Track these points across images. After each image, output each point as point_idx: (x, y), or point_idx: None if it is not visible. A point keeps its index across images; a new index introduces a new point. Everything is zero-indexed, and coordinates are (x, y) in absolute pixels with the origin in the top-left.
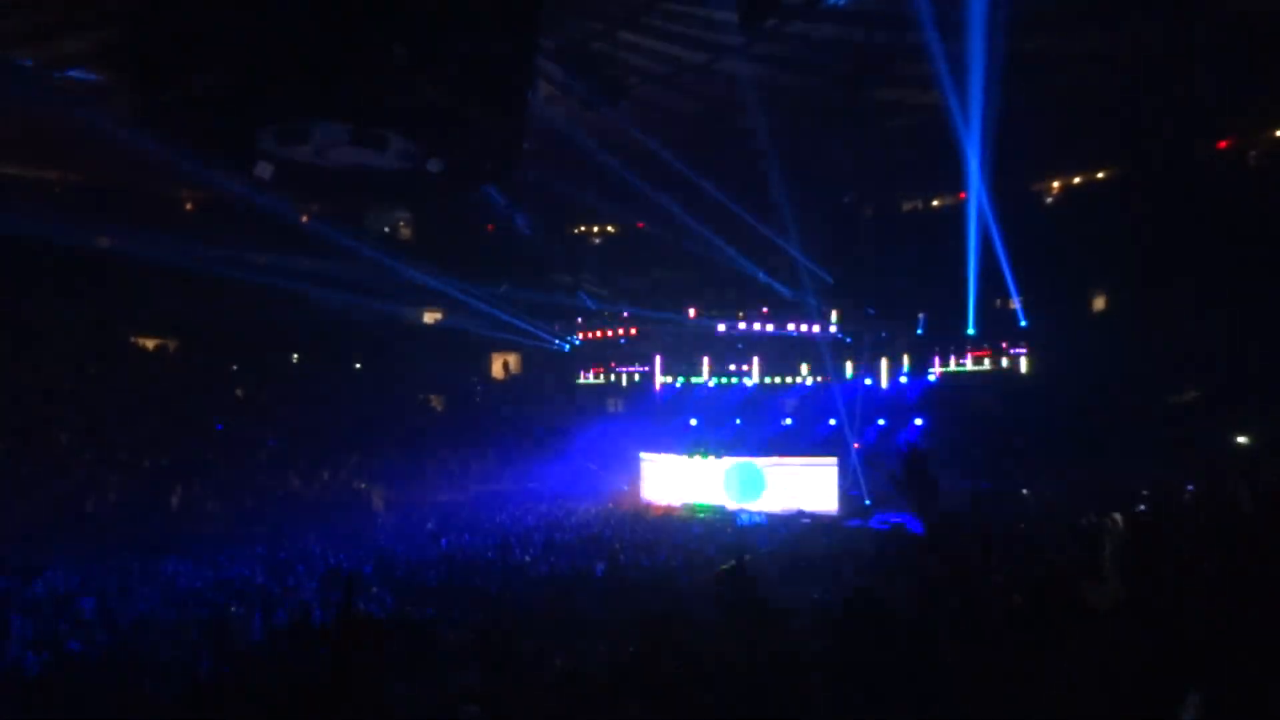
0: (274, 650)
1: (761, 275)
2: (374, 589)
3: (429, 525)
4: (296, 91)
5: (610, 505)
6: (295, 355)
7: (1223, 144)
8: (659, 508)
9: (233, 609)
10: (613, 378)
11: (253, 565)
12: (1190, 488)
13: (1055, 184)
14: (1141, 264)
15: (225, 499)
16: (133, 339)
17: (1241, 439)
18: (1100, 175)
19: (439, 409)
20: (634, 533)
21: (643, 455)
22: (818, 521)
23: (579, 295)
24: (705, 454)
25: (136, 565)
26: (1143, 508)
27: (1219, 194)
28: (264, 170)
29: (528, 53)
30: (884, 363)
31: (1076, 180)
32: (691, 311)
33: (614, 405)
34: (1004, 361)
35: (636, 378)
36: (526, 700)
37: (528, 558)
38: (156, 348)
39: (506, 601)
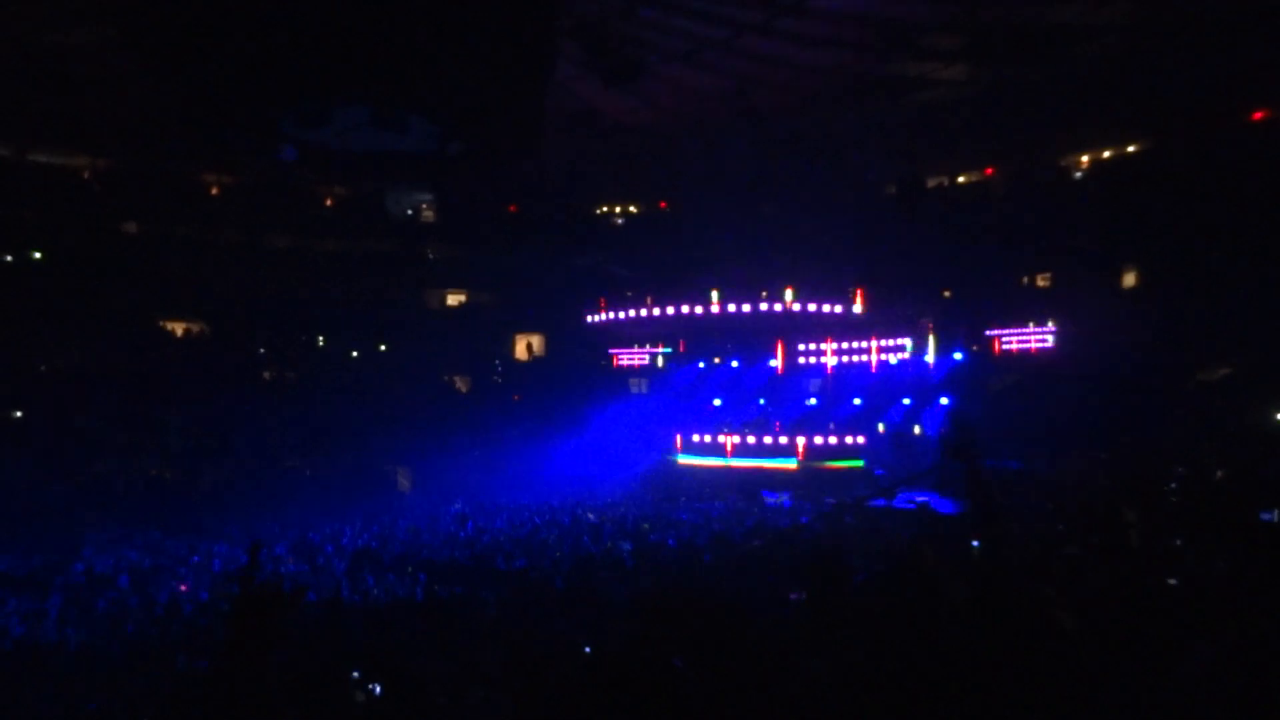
0: (304, 629)
1: (785, 256)
2: (409, 568)
3: (455, 506)
4: (319, 73)
5: (635, 485)
6: (321, 338)
7: (1256, 115)
8: (687, 482)
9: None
10: (637, 359)
11: (283, 546)
12: (1219, 473)
13: (1084, 158)
14: (1172, 239)
15: (254, 480)
16: (162, 323)
17: None
18: (1130, 149)
19: (463, 390)
20: (659, 512)
21: (673, 435)
22: (842, 501)
23: (602, 275)
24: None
25: (170, 545)
26: (1174, 485)
27: (1251, 167)
28: (288, 153)
29: (548, 32)
30: (909, 342)
31: (1106, 154)
32: (715, 293)
33: (638, 386)
34: (1032, 339)
35: (660, 359)
36: (547, 680)
37: (552, 538)
38: (185, 331)
39: (531, 582)
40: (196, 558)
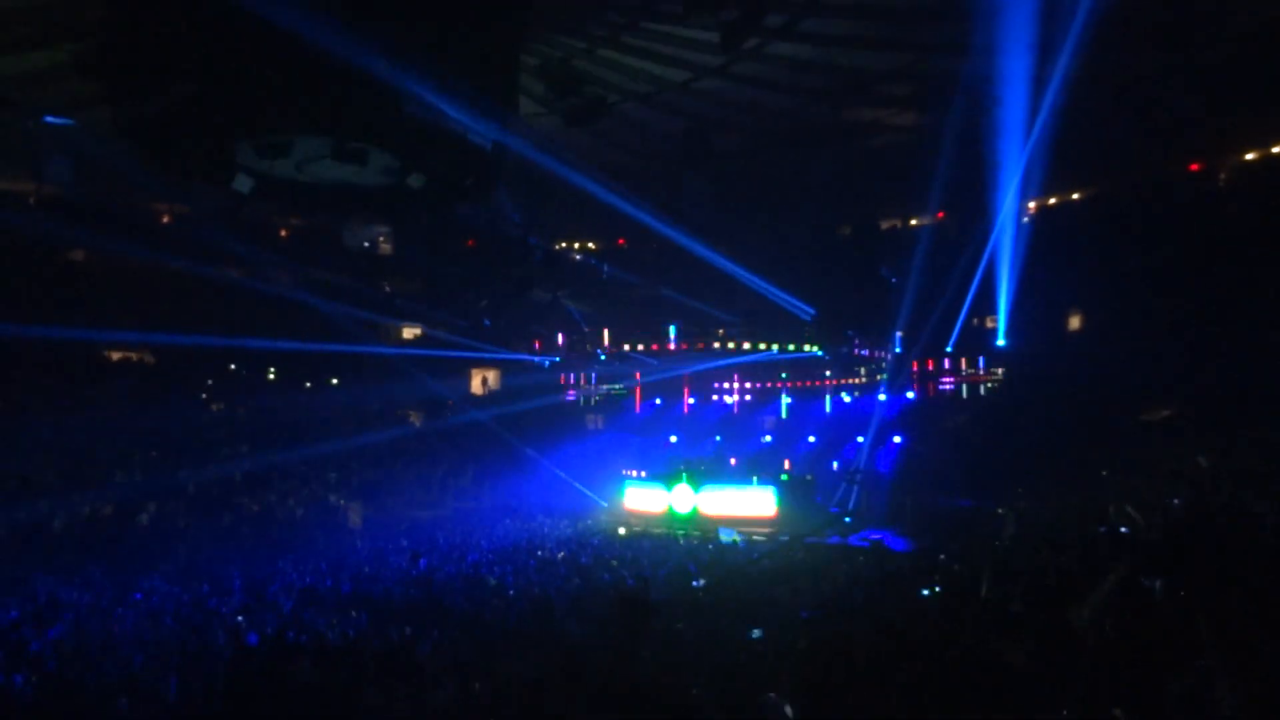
0: (247, 669)
1: (742, 296)
2: (357, 608)
3: (406, 543)
4: (277, 106)
5: (590, 522)
6: (271, 370)
7: (1194, 166)
8: (639, 520)
9: (208, 627)
10: (593, 395)
11: (227, 584)
12: (1176, 501)
13: (1031, 204)
14: (1115, 283)
15: (199, 516)
16: (104, 352)
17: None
18: (1075, 196)
19: (417, 424)
20: (614, 550)
21: (624, 473)
22: (797, 538)
23: (559, 311)
24: (686, 481)
25: (108, 584)
26: (1124, 529)
27: (1190, 215)
28: (243, 184)
29: (511, 70)
30: (863, 380)
31: (1052, 201)
32: (672, 331)
33: (594, 422)
34: (981, 380)
35: (617, 395)
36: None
37: (507, 576)
38: (129, 361)
39: (485, 620)
40: (135, 597)
